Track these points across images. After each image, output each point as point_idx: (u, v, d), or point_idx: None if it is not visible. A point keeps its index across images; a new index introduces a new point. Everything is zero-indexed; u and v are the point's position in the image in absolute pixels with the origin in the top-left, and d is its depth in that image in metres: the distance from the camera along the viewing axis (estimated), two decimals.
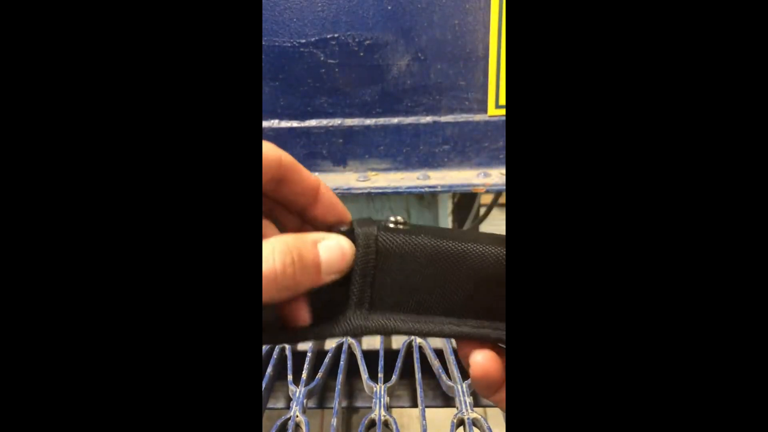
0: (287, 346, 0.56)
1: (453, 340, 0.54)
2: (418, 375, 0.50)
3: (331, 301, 0.25)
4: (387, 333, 0.25)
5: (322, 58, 0.51)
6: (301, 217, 0.27)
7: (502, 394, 0.26)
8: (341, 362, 0.52)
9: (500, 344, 0.26)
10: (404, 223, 0.26)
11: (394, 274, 0.25)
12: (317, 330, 0.25)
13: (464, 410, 0.46)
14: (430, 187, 0.54)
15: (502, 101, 0.53)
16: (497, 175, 0.54)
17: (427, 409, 0.47)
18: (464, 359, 0.26)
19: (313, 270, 0.22)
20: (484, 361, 0.25)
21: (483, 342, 0.26)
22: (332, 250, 0.23)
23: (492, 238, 0.26)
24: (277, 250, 0.21)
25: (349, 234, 0.25)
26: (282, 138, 0.55)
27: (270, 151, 0.24)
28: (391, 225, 0.26)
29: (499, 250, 0.25)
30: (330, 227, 0.26)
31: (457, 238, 0.25)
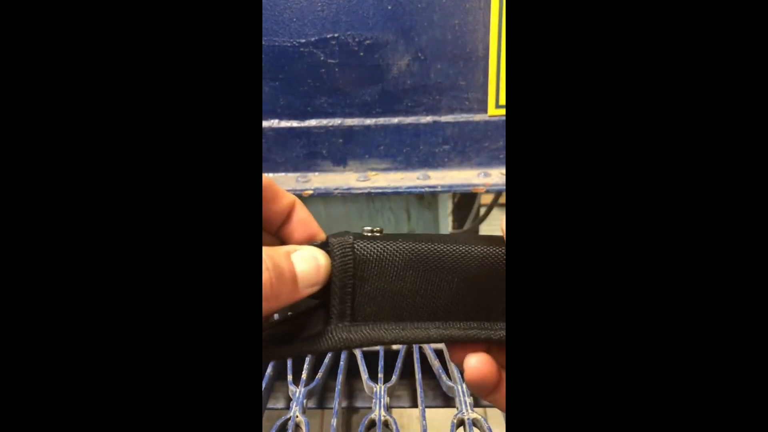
0: None
1: None
2: (418, 375, 0.50)
3: (312, 316, 0.25)
4: (372, 344, 0.24)
5: (322, 58, 0.51)
6: (277, 236, 0.27)
7: (498, 394, 0.26)
8: (341, 362, 0.52)
9: (491, 343, 0.25)
10: (380, 231, 0.26)
11: (375, 282, 0.24)
12: (299, 347, 0.24)
13: (464, 410, 0.46)
14: (430, 187, 0.54)
15: (502, 101, 0.52)
16: (497, 175, 0.54)
17: (427, 410, 0.47)
18: (458, 364, 0.26)
19: (290, 281, 0.22)
20: (478, 364, 0.25)
21: (472, 343, 0.25)
22: (306, 261, 0.23)
23: (474, 238, 0.26)
24: None
25: (324, 246, 0.24)
26: (282, 138, 0.55)
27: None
28: (367, 234, 0.25)
29: (481, 249, 0.25)
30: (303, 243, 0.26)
31: (436, 240, 0.25)
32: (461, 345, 0.26)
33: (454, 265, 0.24)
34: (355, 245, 0.24)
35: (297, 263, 0.22)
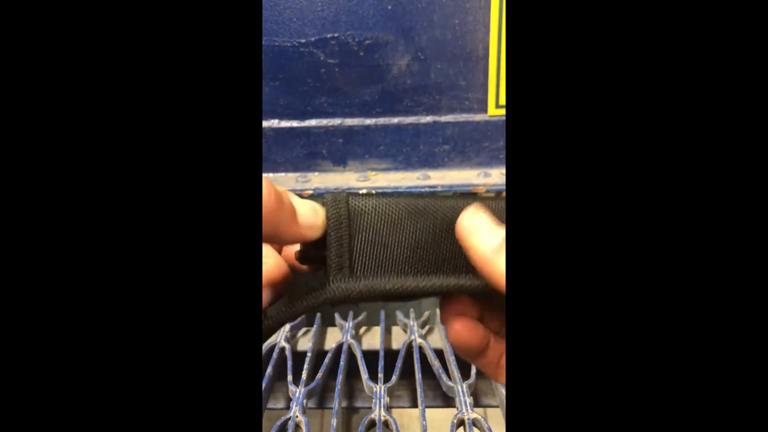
0: (287, 346, 0.56)
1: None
2: (418, 375, 0.50)
3: (311, 278, 0.25)
4: (374, 295, 0.23)
5: (322, 58, 0.51)
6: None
7: (483, 359, 0.26)
8: (341, 362, 0.52)
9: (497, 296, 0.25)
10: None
11: (371, 234, 0.24)
12: (297, 305, 0.23)
13: (464, 410, 0.46)
14: (430, 187, 0.54)
15: (502, 101, 0.53)
16: (497, 175, 0.54)
17: (427, 410, 0.47)
18: (445, 324, 0.26)
19: (289, 209, 0.21)
20: (461, 329, 0.25)
21: (467, 297, 0.25)
22: (302, 204, 0.22)
23: (470, 196, 0.26)
24: None
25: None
26: (282, 138, 0.55)
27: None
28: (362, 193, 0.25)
29: (472, 202, 0.24)
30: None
31: (431, 197, 0.25)
32: (456, 304, 0.26)
33: (452, 217, 0.24)
34: (350, 199, 0.24)
35: (295, 203, 0.22)
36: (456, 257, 0.24)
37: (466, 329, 0.25)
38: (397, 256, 0.24)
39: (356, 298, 0.23)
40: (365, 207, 0.24)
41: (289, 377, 0.51)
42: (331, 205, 0.23)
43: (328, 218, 0.23)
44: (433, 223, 0.24)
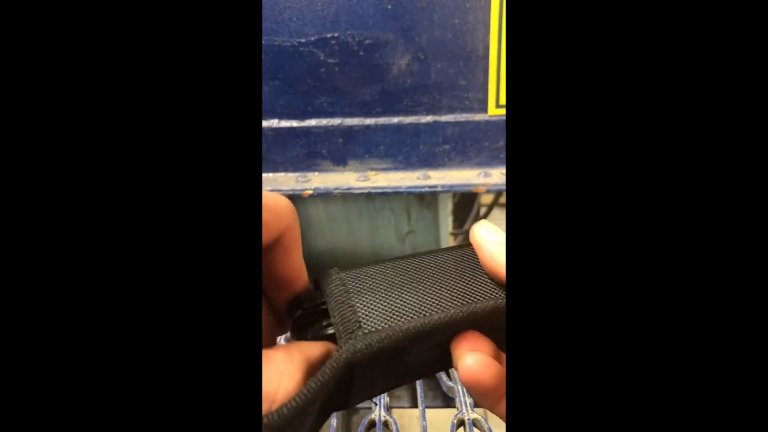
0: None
1: None
2: None
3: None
4: (395, 341, 0.21)
5: (321, 58, 0.51)
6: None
7: (502, 407, 0.23)
8: None
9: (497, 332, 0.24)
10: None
11: (371, 295, 0.23)
12: (320, 376, 0.20)
13: (464, 411, 0.46)
14: (430, 187, 0.54)
15: (503, 101, 0.52)
16: (498, 175, 0.54)
17: (427, 410, 0.47)
18: (456, 362, 0.23)
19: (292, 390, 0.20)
20: (474, 364, 0.22)
21: (480, 334, 0.23)
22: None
23: (462, 246, 0.26)
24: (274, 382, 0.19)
25: (315, 287, 0.25)
26: (282, 138, 0.55)
27: (282, 209, 0.22)
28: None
29: (465, 249, 0.26)
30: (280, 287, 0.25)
31: (414, 256, 0.26)
32: (467, 340, 0.23)
33: (442, 261, 0.25)
34: (337, 272, 0.24)
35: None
36: (458, 295, 0.24)
37: (479, 365, 0.22)
38: (401, 306, 0.23)
39: (376, 349, 0.21)
40: (356, 275, 0.24)
41: None
42: (324, 282, 0.24)
43: (324, 293, 0.24)
44: (426, 270, 0.25)
